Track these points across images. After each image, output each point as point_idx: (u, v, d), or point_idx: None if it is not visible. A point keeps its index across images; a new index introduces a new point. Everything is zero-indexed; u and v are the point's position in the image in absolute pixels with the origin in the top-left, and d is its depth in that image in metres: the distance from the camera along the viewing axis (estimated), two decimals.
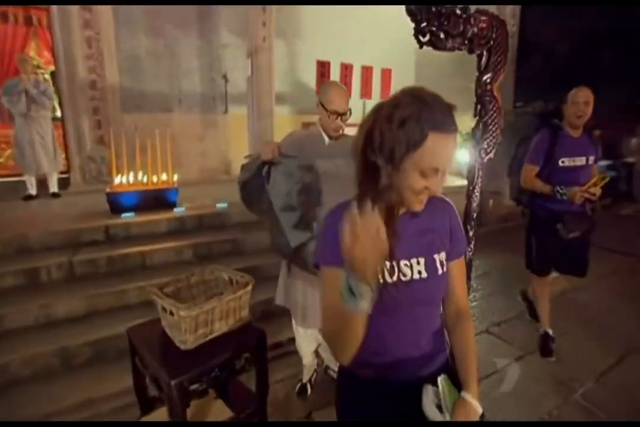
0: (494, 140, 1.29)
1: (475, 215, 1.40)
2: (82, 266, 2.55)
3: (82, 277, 2.53)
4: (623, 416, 1.83)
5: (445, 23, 1.07)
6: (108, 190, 3.12)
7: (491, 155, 1.31)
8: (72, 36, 3.96)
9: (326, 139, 1.71)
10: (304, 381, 2.00)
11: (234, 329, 1.33)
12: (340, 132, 1.71)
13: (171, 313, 1.16)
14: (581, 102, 2.04)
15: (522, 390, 1.98)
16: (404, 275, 0.84)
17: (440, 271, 0.88)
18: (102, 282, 2.49)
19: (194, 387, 1.12)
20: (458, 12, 1.08)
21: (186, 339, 1.18)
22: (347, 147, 1.65)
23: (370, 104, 5.01)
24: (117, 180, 3.18)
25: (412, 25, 1.08)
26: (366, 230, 0.61)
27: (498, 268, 3.48)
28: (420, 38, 1.09)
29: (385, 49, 5.58)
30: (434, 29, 1.08)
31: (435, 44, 1.11)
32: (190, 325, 1.15)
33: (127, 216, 3.01)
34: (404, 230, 0.83)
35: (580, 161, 2.14)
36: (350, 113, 1.64)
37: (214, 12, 4.69)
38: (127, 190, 3.16)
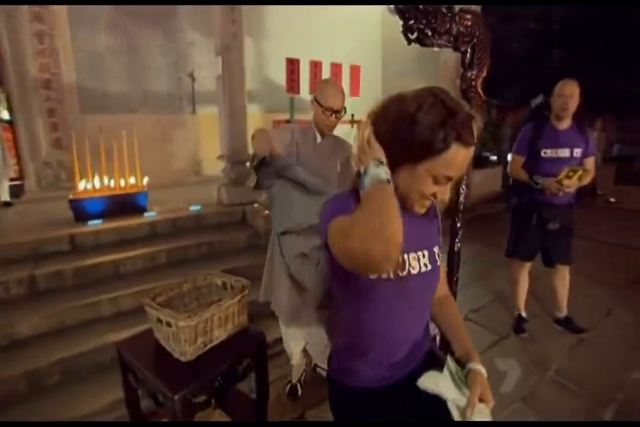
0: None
1: (462, 207, 1.45)
2: (47, 279, 2.37)
3: (48, 292, 2.35)
4: (592, 387, 1.98)
5: (433, 21, 1.09)
6: (71, 196, 2.91)
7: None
8: (19, 31, 3.63)
9: (318, 137, 1.71)
10: (294, 381, 1.99)
11: (233, 334, 1.29)
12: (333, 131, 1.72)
13: (168, 324, 1.10)
14: (567, 94, 2.09)
15: (502, 372, 2.08)
16: (413, 268, 0.85)
17: (438, 262, 0.91)
18: (70, 295, 2.33)
19: (196, 399, 1.07)
20: (444, 10, 1.11)
21: (186, 351, 1.13)
22: (335, 149, 1.70)
23: None
24: (81, 185, 2.98)
25: (400, 22, 1.10)
26: None
27: (470, 257, 3.63)
28: (409, 35, 1.11)
29: (354, 46, 5.64)
30: (421, 26, 1.10)
31: (423, 41, 1.13)
32: (190, 335, 1.10)
33: (95, 224, 2.83)
34: (411, 223, 0.84)
35: (563, 153, 2.17)
36: (345, 111, 1.65)
37: (178, 10, 4.51)
38: (92, 196, 2.96)
